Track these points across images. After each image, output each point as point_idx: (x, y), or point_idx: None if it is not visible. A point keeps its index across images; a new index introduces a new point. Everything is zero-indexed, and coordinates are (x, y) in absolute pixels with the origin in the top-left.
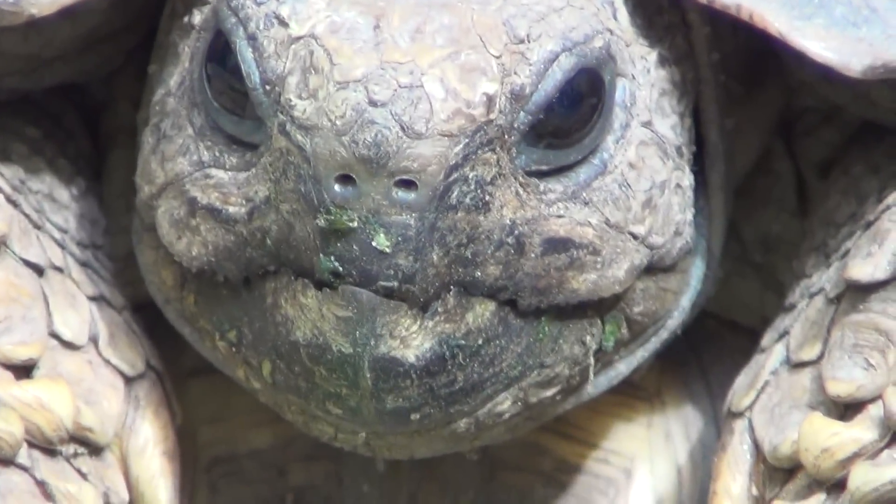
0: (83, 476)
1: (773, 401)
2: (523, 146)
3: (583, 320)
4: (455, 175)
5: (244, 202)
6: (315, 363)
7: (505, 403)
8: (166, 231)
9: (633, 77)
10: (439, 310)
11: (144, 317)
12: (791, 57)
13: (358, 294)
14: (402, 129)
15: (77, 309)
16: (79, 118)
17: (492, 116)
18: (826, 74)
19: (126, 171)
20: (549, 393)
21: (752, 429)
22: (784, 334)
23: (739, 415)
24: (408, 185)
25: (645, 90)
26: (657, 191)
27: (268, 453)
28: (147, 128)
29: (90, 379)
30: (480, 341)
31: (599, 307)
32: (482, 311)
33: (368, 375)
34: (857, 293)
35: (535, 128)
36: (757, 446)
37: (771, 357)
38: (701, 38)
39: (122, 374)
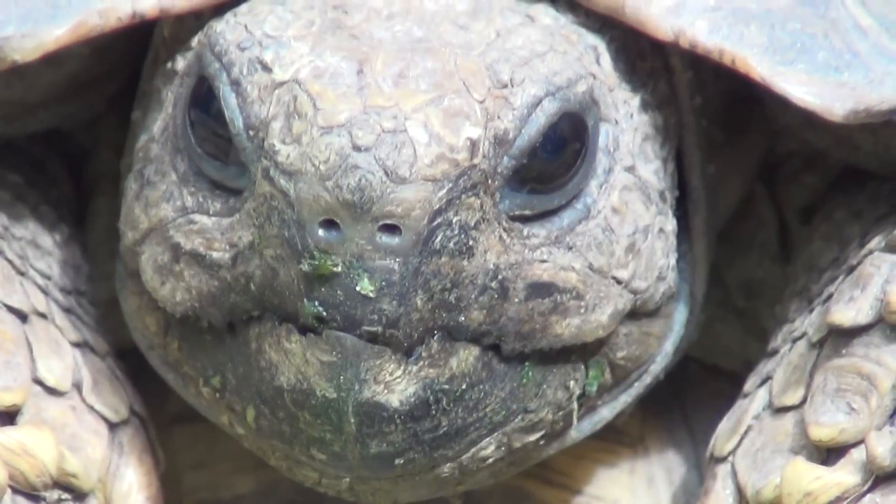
0: None
1: (756, 445)
2: (506, 191)
3: (566, 365)
4: (439, 220)
5: (228, 247)
6: (299, 408)
7: (489, 448)
8: (150, 276)
9: (617, 122)
10: (423, 354)
11: (128, 363)
12: (773, 102)
13: (342, 339)
14: (386, 173)
15: (60, 355)
16: (62, 164)
17: (475, 161)
18: (808, 119)
19: (109, 217)
20: (533, 438)
21: (734, 473)
22: (767, 379)
23: (722, 459)
24: (392, 229)
25: (628, 135)
26: (640, 235)
27: (251, 499)
28: (130, 174)
29: (74, 425)
30: (464, 386)
31: (583, 352)
32: (466, 356)
33: (352, 420)
34: (839, 338)
35: (519, 172)
36: (740, 491)
37: (753, 402)
38: (683, 83)
39: (105, 420)
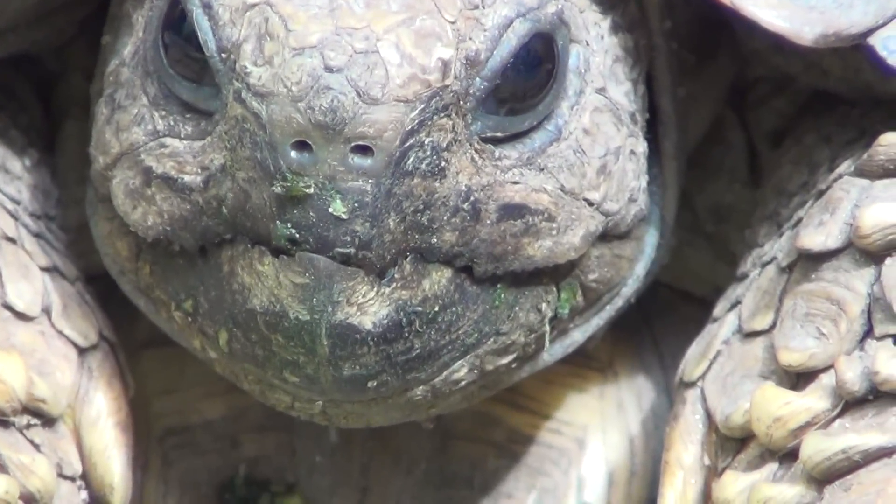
0: (36, 447)
1: (726, 370)
2: (479, 112)
3: (538, 287)
4: (411, 141)
5: (200, 170)
6: (272, 331)
7: (461, 371)
8: (121, 201)
9: (587, 43)
10: (396, 276)
11: (98, 288)
12: (743, 26)
13: (315, 260)
14: (358, 94)
15: (30, 280)
16: (31, 89)
17: (447, 82)
18: (778, 44)
19: (79, 142)
20: (505, 361)
21: (704, 398)
22: (736, 304)
23: (692, 385)
24: (364, 150)
25: (599, 56)
26: (612, 157)
27: (220, 424)
28: (101, 98)
29: (43, 350)
30: (437, 308)
31: (555, 274)
32: (438, 278)
33: (325, 343)
34: (809, 262)
35: (490, 94)
36: (709, 416)
37: (723, 327)
38: (653, 4)
39: (75, 345)
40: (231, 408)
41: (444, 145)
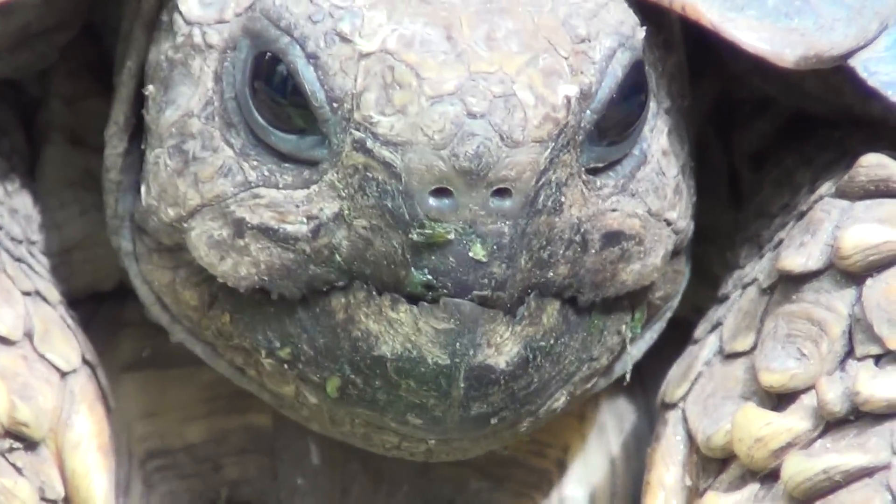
0: (18, 471)
1: (707, 391)
2: (586, 145)
3: (621, 311)
4: (543, 179)
5: (306, 220)
6: (404, 376)
7: (560, 399)
8: (204, 253)
9: (654, 64)
10: (525, 314)
11: (79, 311)
12: (724, 48)
13: (461, 306)
14: (501, 138)
15: (11, 304)
16: (13, 114)
17: (570, 119)
18: (759, 65)
19: (60, 167)
20: (589, 385)
21: (685, 420)
22: (717, 325)
23: (673, 406)
24: (503, 193)
25: (662, 77)
26: (681, 176)
27: (202, 447)
28: (161, 150)
29: (25, 374)
30: (552, 341)
31: (634, 295)
32: (552, 311)
33: (462, 385)
34: (790, 283)
35: (597, 125)
36: (690, 437)
37: (704, 348)
38: (676, 21)
39: (56, 368)
40: (212, 431)
41: (565, 181)
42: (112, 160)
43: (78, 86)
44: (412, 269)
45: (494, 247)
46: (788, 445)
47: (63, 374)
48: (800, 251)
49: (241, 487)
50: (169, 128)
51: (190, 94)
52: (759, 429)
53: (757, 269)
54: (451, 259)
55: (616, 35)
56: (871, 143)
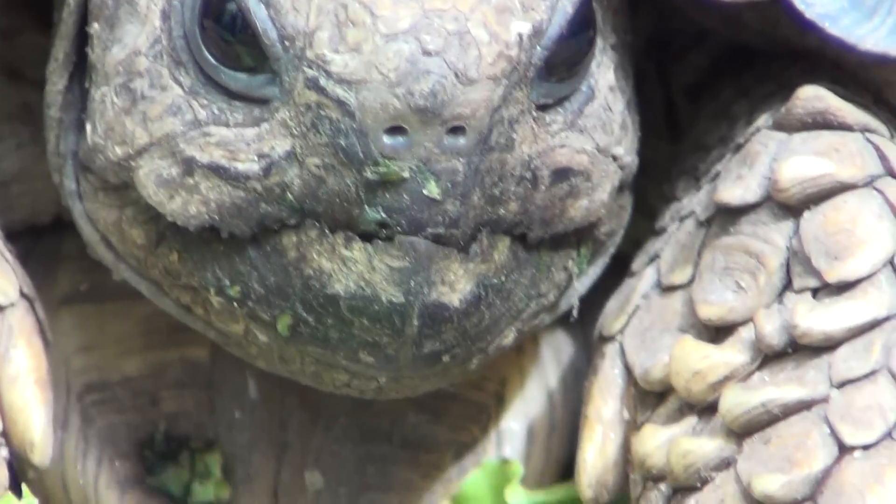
0: None
1: (645, 324)
2: (536, 81)
3: (568, 247)
4: (496, 116)
5: (257, 158)
6: (357, 314)
7: (510, 336)
8: (153, 191)
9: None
10: (477, 251)
11: (17, 246)
12: None
13: (416, 244)
14: (456, 76)
15: None
16: None
17: (522, 56)
18: None
19: None
20: (537, 322)
21: (623, 353)
22: (655, 258)
23: (610, 339)
24: (457, 130)
25: (606, 12)
26: (627, 111)
27: (139, 381)
28: (107, 89)
29: None
30: (503, 278)
31: (581, 231)
32: (503, 248)
33: (416, 323)
34: (727, 216)
35: (546, 61)
36: (628, 370)
37: (642, 281)
38: None
39: None
40: (150, 365)
41: (516, 117)
42: (52, 97)
43: (15, 19)
44: (366, 206)
45: (448, 184)
46: (726, 378)
47: (0, 308)
48: (737, 184)
49: (179, 421)
50: (116, 66)
51: (136, 32)
52: (697, 362)
53: (694, 202)
54: (405, 197)
55: None
56: (809, 76)
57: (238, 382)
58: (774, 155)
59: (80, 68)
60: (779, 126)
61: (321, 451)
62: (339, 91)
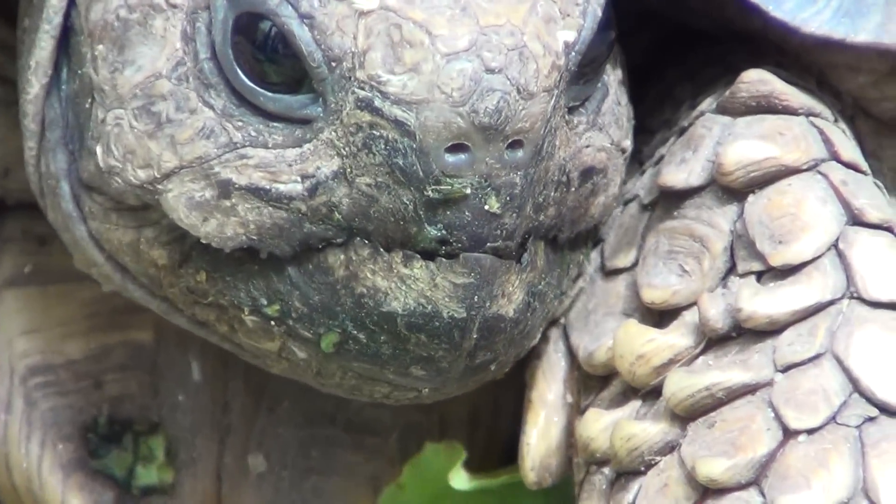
0: None
1: (588, 308)
2: (568, 85)
3: (583, 244)
4: (548, 127)
5: (300, 178)
6: (415, 331)
7: (538, 336)
8: (184, 214)
9: None
10: (527, 260)
11: None
12: None
13: (482, 260)
14: (518, 91)
15: None
16: None
17: (567, 63)
18: None
19: None
20: (555, 318)
21: (566, 336)
22: (598, 241)
23: (554, 322)
24: (517, 144)
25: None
26: (628, 102)
27: (83, 364)
28: (122, 111)
29: None
30: (543, 283)
31: (595, 226)
32: (542, 253)
33: (475, 336)
34: (671, 200)
35: (579, 66)
36: (572, 354)
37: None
38: None
39: None
40: (94, 347)
41: (558, 124)
42: (27, 106)
43: None
44: (425, 224)
45: (507, 197)
46: (670, 362)
47: None
48: (681, 167)
49: (123, 404)
50: (132, 89)
51: (154, 54)
52: (641, 345)
53: (638, 185)
54: (466, 213)
55: None
56: (754, 59)
57: (182, 366)
58: (718, 139)
59: (56, 79)
60: (723, 110)
61: (264, 434)
62: (397, 111)
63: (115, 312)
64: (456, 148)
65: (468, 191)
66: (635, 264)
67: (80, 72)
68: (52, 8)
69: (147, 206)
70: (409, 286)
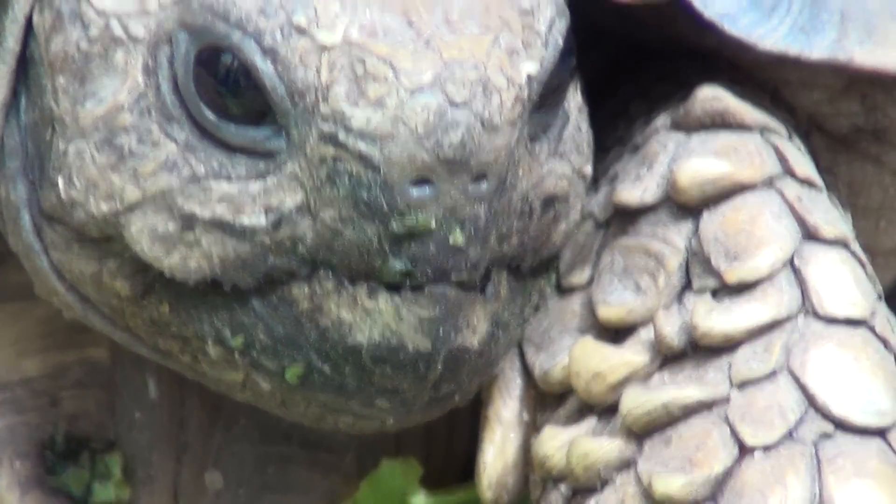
0: None
1: (544, 325)
2: (530, 115)
3: (545, 271)
4: (511, 159)
5: (264, 211)
6: (380, 363)
7: (501, 364)
8: (147, 247)
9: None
10: (492, 291)
11: None
12: None
13: (447, 293)
14: (482, 125)
15: None
16: None
17: (530, 94)
18: None
19: None
20: (514, 345)
21: (522, 354)
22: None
23: None
24: (481, 177)
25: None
26: (589, 127)
27: (39, 381)
28: (83, 143)
29: None
30: (507, 313)
31: (556, 253)
32: (505, 283)
33: (440, 368)
34: (626, 217)
35: (540, 95)
36: (528, 371)
37: None
38: None
39: None
40: (50, 365)
41: (520, 154)
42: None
43: None
44: (390, 257)
45: (472, 230)
46: (626, 379)
47: None
48: (636, 184)
49: (80, 421)
50: (94, 122)
51: (115, 87)
52: (597, 363)
53: (593, 203)
54: (431, 246)
55: (553, 4)
56: (708, 75)
57: (138, 383)
58: (673, 155)
59: (15, 108)
60: (677, 126)
61: (221, 451)
62: (361, 145)
63: (72, 330)
64: (420, 181)
65: (433, 224)
66: (590, 282)
67: (39, 102)
68: (13, 37)
69: (110, 238)
70: (373, 319)
